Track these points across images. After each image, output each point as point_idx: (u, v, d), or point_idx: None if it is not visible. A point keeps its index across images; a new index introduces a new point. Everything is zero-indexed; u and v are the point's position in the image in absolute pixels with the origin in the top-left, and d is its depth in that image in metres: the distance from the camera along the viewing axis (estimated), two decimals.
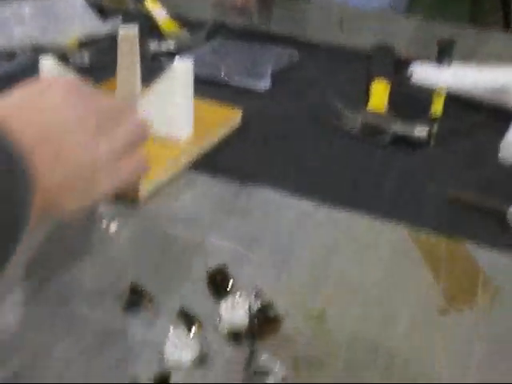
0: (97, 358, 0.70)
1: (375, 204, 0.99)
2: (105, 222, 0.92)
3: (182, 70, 1.02)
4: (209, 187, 1.03)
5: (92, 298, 0.79)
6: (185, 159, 1.06)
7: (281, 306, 0.77)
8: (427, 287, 0.83)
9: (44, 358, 0.71)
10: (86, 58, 1.44)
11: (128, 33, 1.05)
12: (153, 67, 1.22)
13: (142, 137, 0.75)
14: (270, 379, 0.67)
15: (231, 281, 0.81)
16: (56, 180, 0.62)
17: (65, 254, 0.86)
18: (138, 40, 1.07)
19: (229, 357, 0.71)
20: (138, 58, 1.08)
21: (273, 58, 1.49)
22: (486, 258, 0.89)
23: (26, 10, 1.70)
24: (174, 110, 1.05)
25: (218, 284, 0.80)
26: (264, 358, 0.69)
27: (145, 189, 0.96)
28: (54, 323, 0.75)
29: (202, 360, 0.69)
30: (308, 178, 1.06)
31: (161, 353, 0.70)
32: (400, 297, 0.81)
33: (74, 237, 0.90)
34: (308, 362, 0.71)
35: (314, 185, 1.03)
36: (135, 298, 0.77)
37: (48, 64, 1.01)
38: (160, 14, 1.67)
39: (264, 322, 0.73)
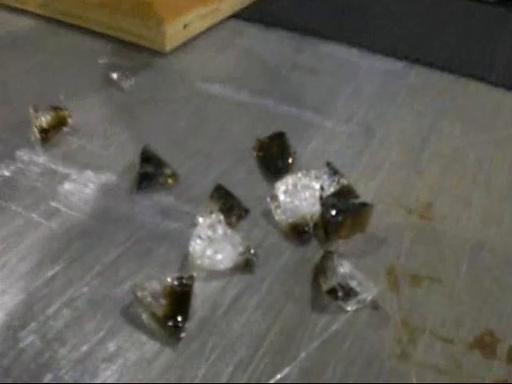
0: (100, 257, 0.45)
1: (481, 69, 0.70)
2: (116, 74, 0.65)
3: None
4: (260, 40, 0.75)
5: (89, 171, 0.53)
6: (229, 4, 0.77)
7: (364, 192, 0.50)
8: None
9: None
10: None
11: None
12: None
13: None
14: (354, 301, 0.41)
15: (292, 154, 0.53)
16: None
17: None
18: None
19: (287, 262, 0.44)
20: None
21: None
22: None
23: None
24: None
25: (274, 158, 0.53)
26: (345, 266, 0.42)
27: (174, 35, 0.69)
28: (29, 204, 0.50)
29: (245, 265, 0.43)
30: (391, 35, 0.77)
31: (184, 251, 0.44)
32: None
33: None
34: (410, 276, 0.44)
35: (400, 43, 0.75)
36: (150, 172, 0.51)
37: None
38: None
39: (344, 213, 0.46)
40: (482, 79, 0.71)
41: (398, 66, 0.73)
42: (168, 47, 0.71)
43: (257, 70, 0.71)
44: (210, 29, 0.78)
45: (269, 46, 0.76)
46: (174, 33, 0.71)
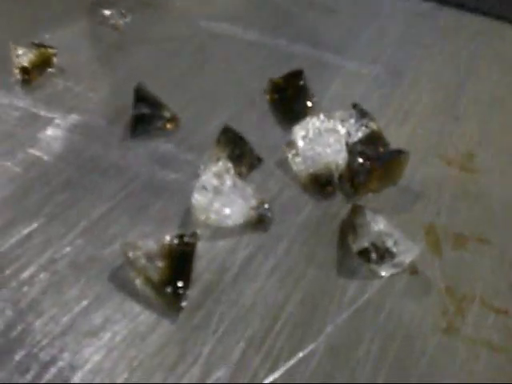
0: (85, 213, 0.37)
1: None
2: (110, 11, 0.57)
3: None
4: None
5: (83, 117, 0.46)
6: None
7: (395, 139, 0.42)
8: None
9: None
10: None
11: None
12: None
13: None
14: (390, 264, 0.33)
15: (311, 97, 0.45)
16: None
17: None
18: None
19: (308, 218, 0.37)
20: None
21: None
22: None
23: None
24: None
25: (290, 100, 0.45)
26: (380, 223, 0.35)
27: None
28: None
29: (258, 221, 0.35)
30: None
31: (186, 205, 0.37)
32: None
33: None
34: (454, 236, 0.37)
35: None
36: (146, 115, 0.43)
37: None
38: None
39: (374, 162, 0.38)
40: None
41: (425, 7, 0.65)
42: None
43: (267, 8, 0.63)
44: None
45: None
46: None
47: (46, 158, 0.43)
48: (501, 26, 0.64)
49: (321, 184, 0.40)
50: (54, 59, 0.53)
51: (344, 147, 0.41)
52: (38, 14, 0.61)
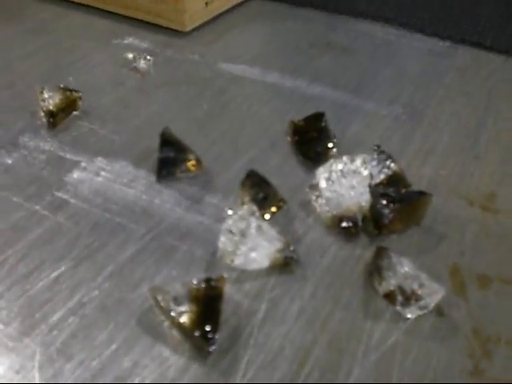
0: (113, 256, 0.38)
1: None
2: (132, 54, 0.58)
3: None
4: (288, 19, 0.68)
5: (100, 158, 0.46)
6: None
7: (417, 180, 0.43)
8: None
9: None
10: None
11: None
12: None
13: None
14: (415, 306, 0.33)
15: (332, 138, 0.46)
16: None
17: None
18: None
19: (333, 260, 0.37)
20: None
21: None
22: None
23: None
24: None
25: (312, 143, 0.46)
26: (405, 265, 0.35)
27: (195, 13, 0.62)
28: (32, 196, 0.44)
29: (284, 264, 0.36)
30: (431, 13, 0.71)
31: (212, 248, 0.37)
32: None
33: None
34: (478, 277, 0.37)
35: (442, 22, 0.69)
36: (171, 158, 0.44)
37: None
38: None
39: (396, 204, 0.39)
40: None
41: (442, 45, 0.66)
42: (188, 26, 0.65)
43: (285, 50, 0.64)
44: (233, 8, 0.71)
45: (298, 25, 0.70)
46: (195, 11, 0.65)
47: (72, 200, 0.44)
48: None
49: (345, 226, 0.40)
50: (79, 102, 0.54)
51: (367, 189, 0.41)
52: (63, 58, 0.62)
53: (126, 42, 0.65)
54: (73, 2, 0.72)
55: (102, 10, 0.70)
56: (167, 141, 0.45)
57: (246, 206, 0.39)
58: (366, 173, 0.42)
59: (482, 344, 0.35)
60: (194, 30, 0.67)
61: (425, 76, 0.61)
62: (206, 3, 0.67)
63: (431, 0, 0.76)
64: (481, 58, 0.65)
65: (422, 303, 0.35)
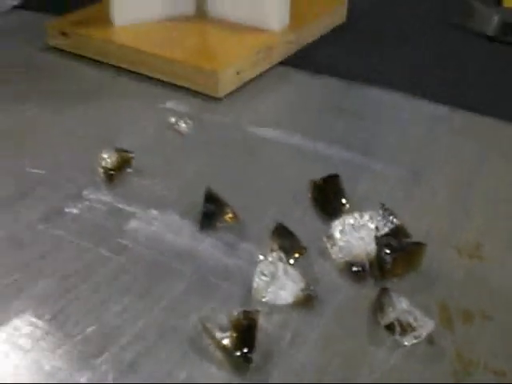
0: (166, 291, 0.48)
1: None
2: (176, 119, 0.69)
3: None
4: (308, 85, 0.79)
5: (152, 210, 0.56)
6: (278, 52, 0.81)
7: (416, 232, 0.52)
8: None
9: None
10: None
11: None
12: None
13: None
14: (411, 336, 0.43)
15: (345, 196, 0.56)
16: None
17: None
18: None
19: (345, 298, 0.47)
20: None
21: None
22: None
23: None
24: None
25: (328, 199, 0.56)
26: (403, 303, 0.45)
27: (227, 81, 0.73)
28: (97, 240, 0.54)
29: (306, 300, 0.46)
30: (433, 80, 0.81)
31: (246, 287, 0.47)
32: None
33: None
34: (463, 313, 0.46)
35: (443, 88, 0.79)
36: (213, 211, 0.54)
37: None
38: None
39: (398, 252, 0.48)
40: None
41: (442, 110, 0.76)
42: (221, 93, 0.75)
43: (306, 115, 0.75)
44: (260, 75, 0.82)
45: (316, 91, 0.80)
46: (227, 79, 0.75)
47: (131, 245, 0.54)
48: (509, 127, 0.74)
49: (355, 270, 0.50)
50: (132, 161, 0.64)
51: (373, 240, 0.51)
52: (114, 120, 0.73)
53: (168, 105, 0.76)
54: (120, 68, 0.83)
55: (148, 77, 0.81)
56: (209, 197, 0.56)
57: (274, 253, 0.49)
58: (372, 226, 0.51)
59: (464, 366, 0.44)
60: (227, 95, 0.77)
61: (425, 139, 0.70)
62: (237, 72, 0.77)
63: (431, 68, 0.86)
64: (476, 121, 0.74)
65: (416, 333, 0.45)
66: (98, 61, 0.85)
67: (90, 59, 0.86)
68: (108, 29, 0.85)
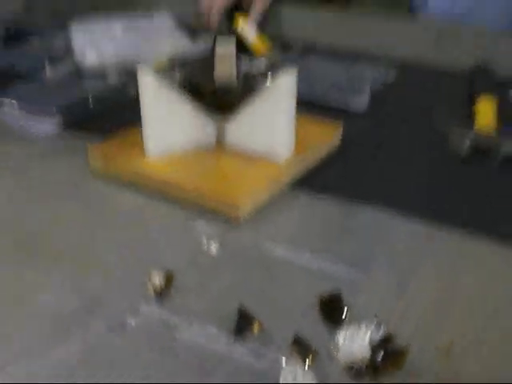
0: None
1: (494, 228, 0.90)
2: (205, 240, 0.86)
3: (286, 83, 0.96)
4: (313, 207, 0.97)
5: (195, 322, 0.73)
6: (286, 178, 1.00)
7: (403, 336, 0.69)
8: None
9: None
10: (177, 76, 1.40)
11: (226, 45, 1.00)
12: (244, 87, 1.15)
13: None
14: None
15: (346, 309, 0.73)
16: None
17: None
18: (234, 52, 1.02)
19: None
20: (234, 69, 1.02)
21: (369, 78, 1.42)
22: None
23: (117, 28, 1.68)
24: (275, 128, 1.00)
25: (333, 312, 0.72)
26: None
27: (245, 207, 0.91)
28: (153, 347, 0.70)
29: None
30: (418, 199, 0.98)
31: None
32: None
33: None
34: None
35: (426, 208, 0.96)
36: (243, 324, 0.70)
37: (149, 80, 0.98)
38: (251, 33, 1.63)
39: (387, 355, 0.65)
40: (503, 241, 0.88)
41: (424, 228, 0.93)
42: (241, 219, 0.93)
43: (313, 234, 0.92)
44: (272, 199, 1.00)
45: (319, 212, 0.97)
46: (246, 208, 0.92)
47: (180, 353, 0.70)
48: (486, 244, 0.91)
49: (354, 370, 0.66)
50: (175, 279, 0.81)
51: (368, 346, 0.67)
52: (151, 240, 0.90)
53: (197, 226, 0.93)
54: (153, 195, 1.01)
55: (180, 201, 0.98)
56: (240, 312, 0.72)
57: (294, 360, 0.65)
58: (367, 334, 0.68)
59: None
60: (245, 218, 0.95)
61: (411, 254, 0.87)
62: (254, 200, 0.95)
63: (418, 188, 1.04)
64: (455, 239, 0.92)
65: None
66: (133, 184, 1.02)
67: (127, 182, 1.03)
68: (141, 159, 1.02)
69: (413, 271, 0.82)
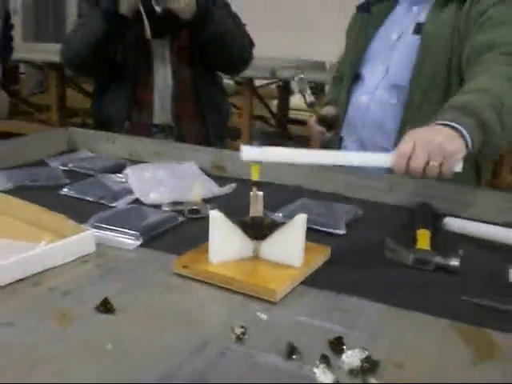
0: None
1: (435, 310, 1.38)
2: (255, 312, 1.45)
3: (301, 220, 1.62)
4: (317, 297, 1.40)
5: None
6: (299, 278, 1.60)
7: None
8: None
9: None
10: (208, 209, 1.71)
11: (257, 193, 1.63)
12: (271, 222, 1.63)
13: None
14: None
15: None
16: None
17: None
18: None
19: None
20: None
21: (345, 212, 2.09)
22: None
23: (161, 174, 2.29)
24: (294, 247, 1.60)
25: None
26: None
27: (278, 295, 1.36)
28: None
29: None
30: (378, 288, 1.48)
31: None
32: None
33: None
34: None
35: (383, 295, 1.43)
36: None
37: (217, 215, 1.61)
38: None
39: None
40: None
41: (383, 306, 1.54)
42: (278, 299, 1.53)
43: (321, 315, 1.50)
44: (290, 291, 1.49)
45: (322, 302, 1.45)
46: (278, 295, 1.48)
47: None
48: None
49: None
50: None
51: None
52: (192, 311, 1.30)
53: (249, 304, 1.50)
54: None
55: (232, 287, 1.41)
56: None
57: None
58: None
59: None
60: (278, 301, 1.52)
61: (383, 332, 1.47)
62: (282, 290, 1.57)
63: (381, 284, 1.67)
64: (409, 317, 1.53)
65: None
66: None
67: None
68: (209, 264, 1.60)
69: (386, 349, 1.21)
